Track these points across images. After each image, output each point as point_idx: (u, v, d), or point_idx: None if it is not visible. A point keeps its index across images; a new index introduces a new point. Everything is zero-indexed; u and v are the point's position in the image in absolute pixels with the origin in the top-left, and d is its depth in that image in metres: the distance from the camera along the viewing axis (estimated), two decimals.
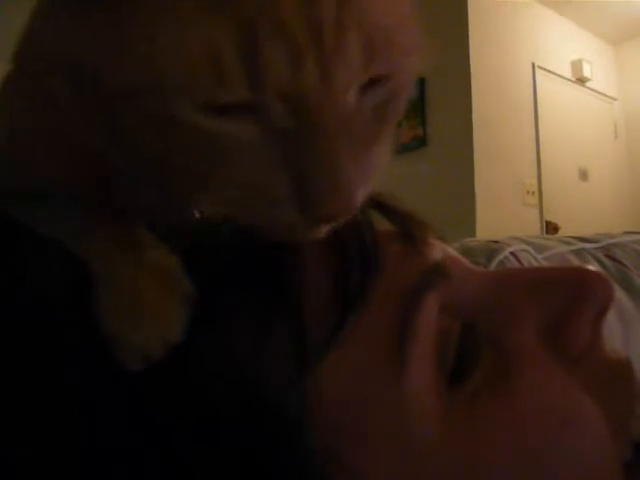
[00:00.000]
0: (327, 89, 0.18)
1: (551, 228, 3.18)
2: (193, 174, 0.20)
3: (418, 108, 3.12)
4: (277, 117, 0.18)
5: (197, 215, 0.28)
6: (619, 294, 0.59)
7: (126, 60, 0.17)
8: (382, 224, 0.29)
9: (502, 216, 2.94)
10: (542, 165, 3.26)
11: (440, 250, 0.29)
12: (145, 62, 0.17)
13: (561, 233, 3.06)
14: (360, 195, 0.20)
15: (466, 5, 2.93)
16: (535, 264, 0.59)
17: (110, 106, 0.19)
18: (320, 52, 0.17)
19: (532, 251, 0.60)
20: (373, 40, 0.18)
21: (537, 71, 3.35)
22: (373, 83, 0.20)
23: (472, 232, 2.72)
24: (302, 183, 0.19)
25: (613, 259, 0.64)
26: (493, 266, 0.56)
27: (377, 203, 0.29)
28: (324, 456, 0.23)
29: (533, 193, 3.20)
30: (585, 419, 0.25)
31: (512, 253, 0.58)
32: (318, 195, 0.19)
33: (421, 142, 3.12)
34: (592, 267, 0.29)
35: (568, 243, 0.67)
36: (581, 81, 3.68)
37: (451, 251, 0.30)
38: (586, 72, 3.64)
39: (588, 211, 3.45)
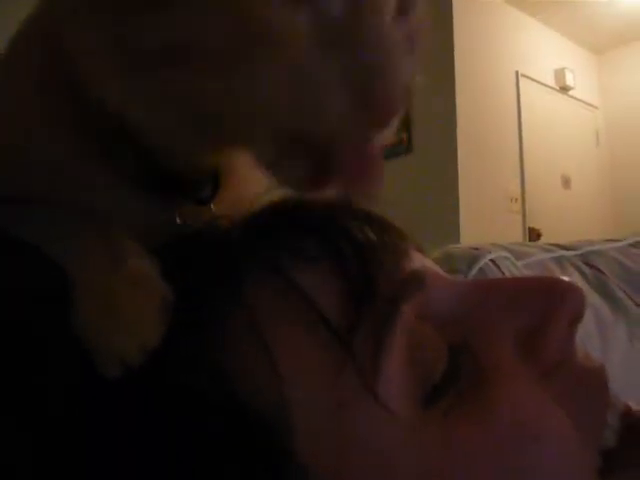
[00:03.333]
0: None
1: (534, 234, 3.21)
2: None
3: (403, 115, 3.13)
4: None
5: (179, 220, 0.28)
6: (597, 302, 0.59)
7: None
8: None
9: (486, 222, 2.96)
10: (525, 172, 3.29)
11: (418, 261, 0.29)
12: None
13: (544, 239, 3.09)
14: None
15: (451, 13, 2.96)
16: (515, 271, 0.59)
17: None
18: None
19: (512, 258, 0.61)
20: None
21: (521, 79, 3.38)
22: None
23: (456, 238, 2.73)
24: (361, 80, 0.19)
25: (592, 267, 0.65)
26: (473, 272, 0.56)
27: (360, 211, 0.29)
28: (305, 464, 0.23)
29: (516, 200, 3.23)
30: (557, 434, 0.25)
31: (492, 260, 0.58)
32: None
33: (406, 149, 3.14)
34: (567, 277, 0.29)
35: (548, 250, 0.67)
36: (564, 89, 3.72)
37: (428, 262, 0.30)
38: (569, 81, 3.69)
39: (570, 217, 3.49)
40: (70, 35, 0.22)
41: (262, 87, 0.19)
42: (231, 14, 0.18)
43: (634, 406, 0.28)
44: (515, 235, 3.12)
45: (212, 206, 0.29)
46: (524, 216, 3.27)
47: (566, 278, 0.29)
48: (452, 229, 2.82)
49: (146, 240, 0.26)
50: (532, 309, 0.27)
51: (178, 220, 0.28)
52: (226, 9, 0.18)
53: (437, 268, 0.30)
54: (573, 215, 3.54)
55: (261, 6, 0.18)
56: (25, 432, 0.22)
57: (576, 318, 0.27)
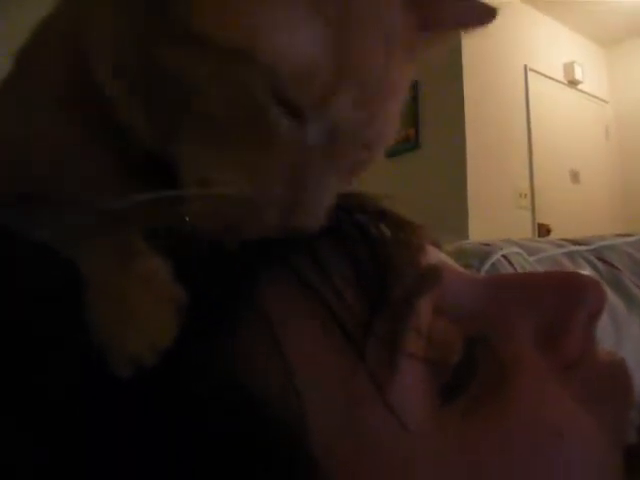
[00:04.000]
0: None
1: (543, 230, 3.20)
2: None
3: (411, 111, 3.13)
4: (313, 131, 0.22)
5: (188, 219, 0.28)
6: (611, 296, 0.59)
7: (242, 26, 0.20)
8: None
9: (495, 218, 2.95)
10: (534, 167, 3.28)
11: (434, 255, 0.28)
12: (259, 38, 0.20)
13: (553, 235, 3.08)
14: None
15: None
16: (527, 267, 0.59)
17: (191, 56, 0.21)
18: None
19: (524, 254, 0.60)
20: None
21: (529, 73, 3.37)
22: None
23: (465, 235, 2.73)
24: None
25: (605, 261, 0.65)
26: (485, 268, 0.56)
27: (374, 208, 0.29)
28: (318, 465, 0.22)
29: (525, 195, 3.21)
30: (580, 436, 0.24)
31: (504, 256, 0.58)
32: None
33: (414, 144, 3.13)
34: (585, 271, 0.29)
35: (560, 246, 0.67)
36: (573, 83, 3.70)
37: (444, 257, 0.30)
38: (578, 75, 3.67)
39: (580, 213, 3.47)
40: (89, 35, 0.23)
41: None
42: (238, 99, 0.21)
43: None
44: (524, 231, 3.11)
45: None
46: (533, 212, 3.25)
47: (585, 272, 0.28)
48: (461, 225, 2.81)
49: (158, 234, 0.26)
50: (551, 304, 0.27)
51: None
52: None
53: (453, 263, 0.30)
54: (582, 210, 3.52)
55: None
56: (25, 432, 0.22)
57: (597, 313, 0.27)
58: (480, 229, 2.81)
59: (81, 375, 0.22)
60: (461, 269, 0.30)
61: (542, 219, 3.26)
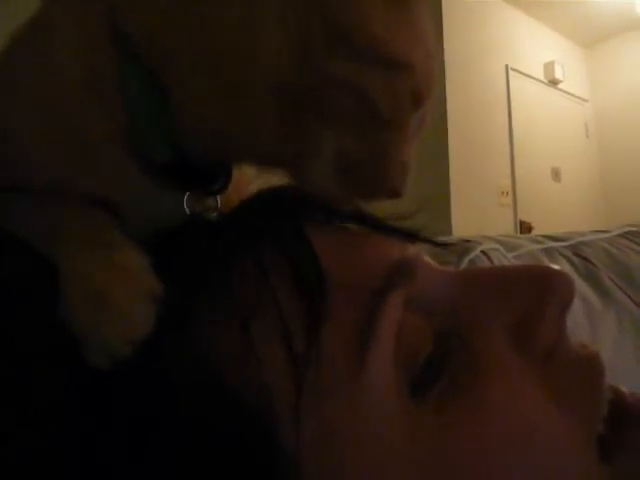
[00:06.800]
0: None
1: (525, 227, 3.23)
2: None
3: None
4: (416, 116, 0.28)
5: (187, 209, 0.28)
6: (587, 291, 0.60)
7: (406, 48, 0.25)
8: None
9: (477, 216, 2.97)
10: (516, 165, 3.30)
11: (408, 250, 0.29)
12: (413, 54, 0.25)
13: (535, 232, 3.10)
14: None
15: (440, 8, 2.96)
16: (505, 263, 0.59)
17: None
18: None
19: (502, 250, 0.61)
20: None
21: (510, 73, 3.39)
22: None
23: (448, 232, 2.74)
24: None
25: (581, 257, 0.65)
26: (464, 264, 0.56)
27: (350, 209, 0.29)
28: (293, 455, 0.23)
29: (507, 193, 3.24)
30: (552, 429, 0.24)
31: (483, 252, 0.58)
32: None
33: None
34: (555, 265, 0.29)
35: (538, 242, 0.68)
36: (553, 83, 3.74)
37: (419, 252, 0.30)
38: (558, 74, 3.71)
39: (561, 210, 3.51)
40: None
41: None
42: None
43: (625, 390, 0.28)
44: (506, 228, 3.13)
45: (218, 197, 0.29)
46: (515, 209, 3.28)
47: (555, 266, 0.29)
48: (444, 223, 2.82)
49: (150, 228, 0.26)
50: (522, 298, 0.27)
51: (186, 209, 0.28)
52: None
53: (427, 258, 0.30)
54: (564, 207, 3.56)
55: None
56: (25, 428, 0.22)
57: (566, 304, 0.27)
58: (463, 227, 2.82)
59: (76, 371, 0.23)
60: (435, 264, 0.30)
61: (524, 217, 3.29)
